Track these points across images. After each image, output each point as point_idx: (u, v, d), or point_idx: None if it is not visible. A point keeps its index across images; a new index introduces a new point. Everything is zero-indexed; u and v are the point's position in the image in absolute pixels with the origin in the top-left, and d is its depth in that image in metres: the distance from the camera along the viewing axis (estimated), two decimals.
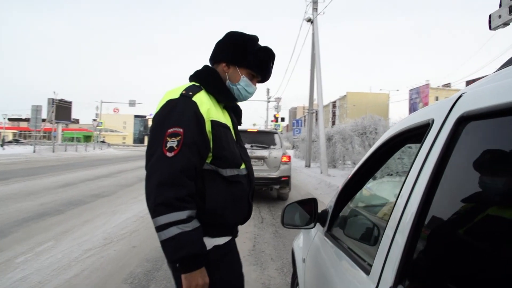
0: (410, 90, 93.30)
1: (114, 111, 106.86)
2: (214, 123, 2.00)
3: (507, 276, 0.88)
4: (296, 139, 38.66)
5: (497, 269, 0.92)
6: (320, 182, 15.90)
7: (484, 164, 1.07)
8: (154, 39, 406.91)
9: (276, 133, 12.32)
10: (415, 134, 1.60)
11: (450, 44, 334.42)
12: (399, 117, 15.82)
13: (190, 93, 1.98)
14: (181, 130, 1.85)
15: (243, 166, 2.17)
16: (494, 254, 0.94)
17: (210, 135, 1.98)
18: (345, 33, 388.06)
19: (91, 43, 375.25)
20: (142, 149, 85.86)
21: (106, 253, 6.01)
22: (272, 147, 11.44)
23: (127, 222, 8.24)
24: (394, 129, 1.89)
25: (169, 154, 1.82)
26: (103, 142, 78.02)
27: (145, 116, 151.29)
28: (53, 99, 58.75)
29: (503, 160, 0.99)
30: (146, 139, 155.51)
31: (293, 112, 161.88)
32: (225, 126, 2.09)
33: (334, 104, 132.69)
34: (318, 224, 2.58)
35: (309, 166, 24.74)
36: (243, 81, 2.20)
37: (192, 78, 2.18)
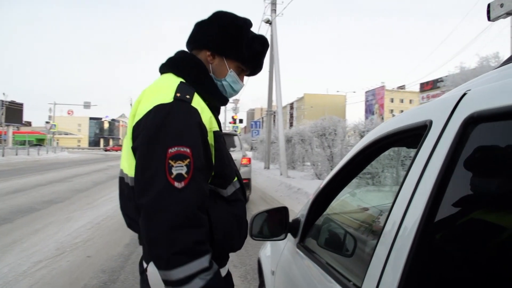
0: (366, 92, 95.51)
1: (69, 113, 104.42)
2: (216, 135, 1.63)
3: None
4: (255, 140, 38.74)
5: None
6: (280, 184, 15.85)
7: (500, 170, 0.95)
8: (107, 40, 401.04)
9: (236, 135, 12.23)
10: (405, 136, 1.48)
11: (404, 47, 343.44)
12: (358, 118, 15.91)
13: (187, 96, 1.55)
14: (188, 150, 1.44)
15: (235, 178, 1.82)
16: None
17: (212, 150, 1.61)
18: (302, 34, 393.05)
19: (43, 43, 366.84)
20: (98, 152, 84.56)
21: (58, 265, 5.66)
22: (231, 149, 11.26)
23: (81, 230, 7.85)
24: (379, 131, 1.71)
25: (178, 185, 1.39)
26: (38, 144, 75.88)
27: (101, 118, 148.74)
28: (2, 101, 57.06)
29: None
30: (101, 141, 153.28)
31: (251, 113, 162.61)
32: (222, 135, 1.73)
33: (291, 105, 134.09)
34: (289, 235, 2.39)
35: (268, 168, 24.73)
36: (230, 77, 1.81)
37: (167, 69, 1.75)
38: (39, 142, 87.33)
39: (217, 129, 1.65)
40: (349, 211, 2.58)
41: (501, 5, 1.51)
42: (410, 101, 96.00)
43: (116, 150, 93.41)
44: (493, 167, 0.97)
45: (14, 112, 63.72)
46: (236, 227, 1.72)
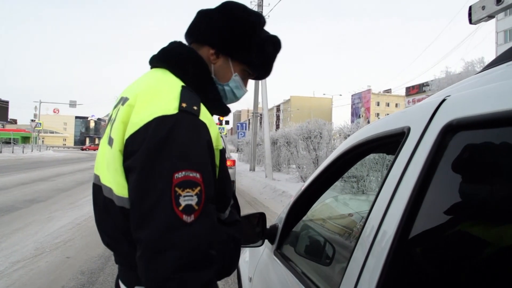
0: (352, 95, 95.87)
1: (54, 112, 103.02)
2: (222, 153, 1.38)
3: None
4: (241, 142, 38.62)
5: None
6: (265, 187, 15.83)
7: (479, 179, 0.94)
8: (94, 39, 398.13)
9: (221, 137, 12.17)
10: (384, 143, 1.45)
11: (391, 51, 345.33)
12: (344, 121, 15.89)
13: (195, 107, 1.27)
14: (198, 175, 1.18)
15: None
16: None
17: (217, 170, 1.37)
18: (289, 37, 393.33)
19: (30, 41, 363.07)
20: (83, 151, 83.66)
21: (36, 266, 5.59)
22: None
23: (62, 230, 7.77)
24: (357, 136, 1.68)
25: (187, 219, 1.14)
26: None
27: (87, 117, 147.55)
28: None
29: (501, 175, 0.86)
30: (87, 140, 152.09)
31: (237, 115, 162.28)
32: (224, 150, 1.45)
33: (278, 107, 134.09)
34: (266, 241, 2.36)
35: (253, 170, 24.68)
36: (234, 82, 1.55)
37: (163, 63, 1.46)
38: (24, 141, 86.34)
39: (222, 146, 1.39)
40: (329, 217, 2.56)
41: (483, 8, 1.50)
42: (396, 105, 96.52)
43: (94, 150, 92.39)
44: (472, 177, 0.96)
45: None
46: (234, 251, 1.54)
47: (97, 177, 1.45)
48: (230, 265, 1.52)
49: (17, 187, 14.27)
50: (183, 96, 1.28)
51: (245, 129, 35.53)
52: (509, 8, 1.41)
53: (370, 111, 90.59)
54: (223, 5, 1.53)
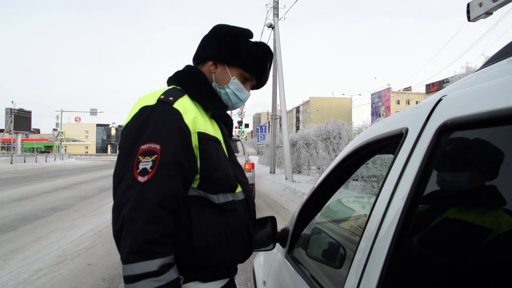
0: (372, 94, 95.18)
1: (76, 120, 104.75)
2: (202, 136, 1.59)
3: None
4: (261, 145, 38.69)
5: None
6: (285, 189, 15.79)
7: (474, 179, 0.93)
8: (115, 47, 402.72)
9: (239, 140, 12.18)
10: (386, 144, 1.44)
11: (410, 48, 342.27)
12: (362, 121, 15.80)
13: (170, 98, 1.56)
14: (158, 146, 1.43)
15: (239, 189, 1.74)
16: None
17: (197, 151, 1.57)
18: (307, 38, 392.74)
19: (51, 51, 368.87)
20: (105, 158, 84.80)
21: (58, 273, 5.64)
22: (235, 154, 11.21)
23: (84, 237, 7.85)
24: (360, 139, 1.69)
25: (141, 179, 1.39)
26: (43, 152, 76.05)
27: (108, 125, 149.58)
28: (11, 109, 57.50)
29: (494, 175, 0.85)
30: (109, 148, 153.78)
31: (257, 118, 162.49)
32: (215, 139, 1.67)
33: (297, 109, 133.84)
34: (278, 245, 2.35)
35: (274, 173, 24.68)
36: (233, 84, 1.79)
37: (171, 81, 1.78)
38: (47, 149, 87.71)
39: (203, 130, 1.60)
40: (340, 220, 2.55)
41: (480, 5, 1.48)
42: (417, 103, 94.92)
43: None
44: (468, 178, 0.96)
45: (22, 119, 64.40)
46: (224, 236, 1.61)
47: None
48: (220, 253, 1.61)
49: (40, 196, 14.48)
50: (165, 92, 1.61)
51: (265, 132, 35.57)
52: (505, 4, 1.39)
53: (390, 109, 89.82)
54: (213, 28, 1.86)
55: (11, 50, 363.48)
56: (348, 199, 2.94)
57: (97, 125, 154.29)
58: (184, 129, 1.52)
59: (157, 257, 1.35)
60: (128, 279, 1.33)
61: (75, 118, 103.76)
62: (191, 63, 1.89)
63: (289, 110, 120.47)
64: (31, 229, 8.57)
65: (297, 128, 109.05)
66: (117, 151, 1.58)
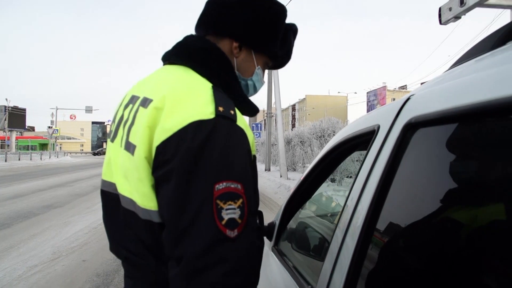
0: (368, 93, 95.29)
1: (71, 118, 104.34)
2: (255, 159, 1.27)
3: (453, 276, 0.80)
4: (256, 142, 38.75)
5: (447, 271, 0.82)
6: (279, 186, 15.87)
7: (433, 173, 0.98)
8: (111, 44, 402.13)
9: None
10: (362, 141, 1.48)
11: (405, 47, 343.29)
12: None
13: (231, 111, 1.15)
14: (239, 186, 1.07)
15: None
16: (444, 257, 0.85)
17: None
18: (304, 36, 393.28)
19: (45, 49, 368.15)
20: (101, 156, 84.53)
21: (53, 269, 5.70)
22: None
23: (78, 234, 7.89)
24: (340, 135, 1.77)
25: (230, 233, 1.03)
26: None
27: (103, 122, 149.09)
28: (5, 106, 57.31)
29: (453, 169, 0.90)
30: (104, 145, 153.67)
31: None
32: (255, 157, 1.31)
33: (293, 107, 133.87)
34: (265, 238, 2.42)
35: (269, 170, 24.74)
36: (256, 75, 1.47)
37: (184, 61, 1.32)
38: (42, 147, 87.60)
39: (255, 152, 1.28)
40: (322, 212, 2.63)
41: (450, 9, 1.57)
42: None
43: None
44: (430, 171, 1.00)
45: (17, 117, 64.12)
46: (259, 261, 1.33)
47: (111, 185, 1.31)
48: (258, 276, 1.33)
49: (35, 193, 14.49)
50: (218, 99, 1.15)
51: (260, 130, 35.64)
52: (471, 9, 1.47)
53: None
54: None
55: (5, 47, 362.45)
56: (331, 192, 3.01)
57: (93, 122, 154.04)
58: (251, 156, 1.20)
59: None
60: None
61: (70, 115, 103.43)
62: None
63: (285, 108, 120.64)
64: (26, 226, 8.60)
65: (293, 126, 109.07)
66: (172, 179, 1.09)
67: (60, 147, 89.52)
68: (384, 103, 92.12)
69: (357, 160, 2.04)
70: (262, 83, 1.53)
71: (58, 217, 9.76)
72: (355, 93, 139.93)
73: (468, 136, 0.87)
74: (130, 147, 1.18)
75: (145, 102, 1.19)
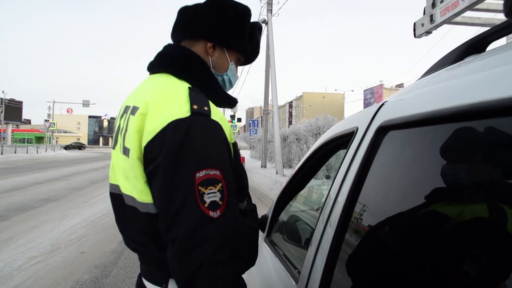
0: (365, 91, 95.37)
1: (68, 112, 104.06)
2: (235, 147, 1.45)
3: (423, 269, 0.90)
4: (253, 139, 38.90)
5: (413, 266, 0.94)
6: (275, 183, 16.00)
7: (400, 172, 1.10)
8: (109, 39, 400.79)
9: None
10: (345, 141, 1.62)
11: (403, 45, 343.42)
12: None
13: (205, 108, 1.32)
14: (218, 172, 1.24)
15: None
16: (409, 251, 0.98)
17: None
18: (301, 33, 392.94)
19: (43, 41, 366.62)
20: (97, 150, 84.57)
21: (52, 260, 5.83)
22: None
23: (76, 227, 8.02)
24: (326, 135, 1.92)
25: (213, 214, 1.20)
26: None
27: (100, 117, 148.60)
28: (1, 99, 57.13)
29: (418, 169, 1.02)
30: (101, 140, 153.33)
31: (250, 112, 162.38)
32: (236, 144, 1.51)
33: (290, 104, 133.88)
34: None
35: (265, 167, 24.87)
36: (230, 70, 1.64)
37: (165, 68, 1.50)
38: (39, 141, 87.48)
39: (234, 140, 1.45)
40: (312, 207, 2.78)
41: (422, 25, 1.73)
42: None
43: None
44: (399, 169, 1.12)
45: (13, 110, 64.18)
46: (255, 242, 1.60)
47: (115, 187, 1.48)
48: (254, 255, 1.59)
49: (32, 187, 14.59)
50: (193, 98, 1.32)
51: (257, 126, 35.76)
52: (440, 26, 1.62)
53: None
54: (216, 1, 1.57)
55: (3, 39, 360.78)
56: (318, 186, 3.15)
57: (89, 116, 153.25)
58: (227, 144, 1.35)
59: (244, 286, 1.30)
60: None
61: (67, 109, 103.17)
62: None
63: (282, 105, 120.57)
64: (24, 219, 8.72)
65: (290, 123, 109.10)
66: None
67: (57, 141, 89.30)
68: (380, 101, 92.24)
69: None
70: (236, 77, 1.70)
71: (56, 210, 9.88)
72: (352, 90, 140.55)
73: (429, 138, 1.00)
74: (126, 151, 1.35)
75: (134, 110, 1.36)
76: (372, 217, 1.19)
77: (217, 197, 1.22)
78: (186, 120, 1.25)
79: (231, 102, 1.60)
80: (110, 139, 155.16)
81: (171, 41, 1.66)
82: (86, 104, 67.61)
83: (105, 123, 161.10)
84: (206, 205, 1.20)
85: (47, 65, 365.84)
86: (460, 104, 0.84)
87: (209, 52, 1.57)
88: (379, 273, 1.08)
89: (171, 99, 1.32)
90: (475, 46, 1.16)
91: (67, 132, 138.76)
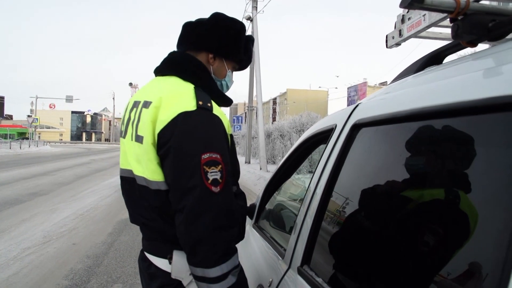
0: (348, 88, 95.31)
1: (50, 107, 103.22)
2: (232, 138, 1.75)
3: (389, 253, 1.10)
4: (237, 135, 38.96)
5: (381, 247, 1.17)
6: (259, 178, 16.20)
7: (370, 163, 1.35)
8: (90, 33, 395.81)
9: None
10: (325, 136, 1.83)
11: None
12: None
13: (209, 104, 1.60)
14: (218, 156, 1.52)
15: None
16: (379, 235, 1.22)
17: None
18: (286, 31, 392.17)
19: (25, 35, 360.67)
20: (80, 146, 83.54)
21: (45, 251, 6.06)
22: None
23: (66, 220, 8.22)
24: (309, 131, 2.16)
25: (215, 189, 1.48)
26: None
27: (83, 112, 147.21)
28: None
29: (386, 160, 1.26)
30: (84, 135, 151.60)
31: (233, 108, 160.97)
32: (232, 136, 1.79)
33: (274, 100, 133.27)
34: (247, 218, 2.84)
35: (249, 163, 24.96)
36: (228, 77, 1.94)
37: (173, 72, 1.76)
38: (21, 136, 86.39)
39: (231, 132, 1.73)
40: (295, 197, 3.05)
41: (393, 37, 2.02)
42: None
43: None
44: (368, 162, 1.36)
45: None
46: (244, 220, 1.86)
47: (128, 171, 1.74)
48: (243, 229, 1.83)
49: (19, 182, 14.66)
50: (198, 96, 1.59)
51: (241, 123, 35.80)
52: (407, 39, 1.91)
53: None
54: (213, 17, 1.84)
55: None
56: (300, 177, 3.40)
57: (72, 112, 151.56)
58: (226, 135, 1.64)
59: (236, 252, 1.58)
60: (219, 278, 1.48)
61: (50, 104, 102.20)
62: (172, 50, 1.91)
63: (266, 101, 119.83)
64: (15, 213, 8.89)
65: (274, 120, 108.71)
66: (176, 156, 1.53)
67: (39, 136, 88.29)
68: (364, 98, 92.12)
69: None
70: (232, 82, 1.99)
71: (45, 204, 10.06)
72: (336, 88, 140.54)
73: (394, 134, 1.23)
74: (139, 139, 1.62)
75: (146, 104, 1.63)
76: (346, 204, 1.40)
77: (217, 175, 1.49)
78: (193, 112, 1.53)
79: (227, 102, 1.86)
80: (93, 134, 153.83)
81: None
82: (69, 99, 67.06)
83: (88, 119, 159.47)
84: (209, 181, 1.47)
85: (29, 59, 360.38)
86: (421, 106, 1.04)
87: (211, 62, 1.85)
88: (350, 251, 1.32)
89: (180, 95, 1.60)
90: (434, 59, 1.41)
91: (49, 128, 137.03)
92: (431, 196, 1.00)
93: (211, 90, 1.74)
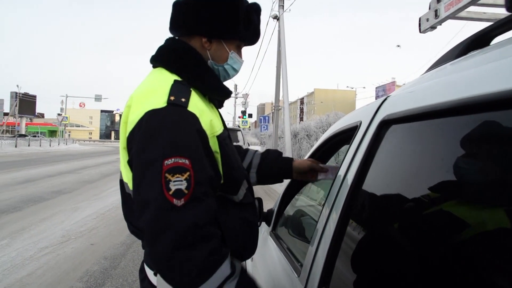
0: (376, 88, 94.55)
1: (80, 106, 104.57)
2: (221, 139, 1.45)
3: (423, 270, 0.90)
4: (264, 135, 38.85)
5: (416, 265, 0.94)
6: None
7: (402, 166, 1.12)
8: (119, 32, 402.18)
9: (239, 130, 12.44)
10: (349, 135, 1.62)
11: (415, 42, 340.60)
12: None
13: (183, 99, 1.34)
14: (187, 161, 1.24)
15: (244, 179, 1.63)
16: (413, 249, 0.98)
17: (218, 157, 1.43)
18: (313, 30, 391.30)
19: (57, 36, 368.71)
20: (108, 144, 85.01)
21: (62, 251, 5.94)
22: (234, 144, 11.43)
23: (87, 219, 8.15)
24: (330, 130, 1.96)
25: (177, 202, 1.20)
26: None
27: (112, 111, 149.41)
28: (16, 93, 57.85)
29: (421, 162, 1.03)
30: (112, 134, 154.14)
31: (261, 108, 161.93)
32: (228, 135, 1.56)
33: (302, 100, 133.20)
34: (264, 224, 2.62)
35: None
36: (231, 59, 1.62)
37: (159, 62, 1.53)
38: (51, 134, 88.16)
39: (220, 132, 1.46)
40: (312, 202, 2.81)
41: (427, 20, 1.77)
42: None
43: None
44: (401, 165, 1.14)
45: (27, 104, 65.03)
46: (249, 235, 1.58)
47: (120, 174, 1.55)
48: (246, 247, 1.56)
49: (44, 179, 14.76)
50: (173, 90, 1.35)
51: (268, 122, 35.71)
52: (444, 21, 1.65)
53: None
54: None
55: (17, 34, 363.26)
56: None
57: (101, 111, 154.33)
58: (203, 135, 1.35)
59: (225, 259, 1.29)
60: None
61: (80, 103, 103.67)
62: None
63: (293, 101, 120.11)
64: (36, 210, 8.86)
65: (301, 119, 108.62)
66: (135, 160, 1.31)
67: (69, 135, 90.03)
68: None
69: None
70: (240, 62, 1.66)
71: (67, 203, 10.02)
72: (364, 87, 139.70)
73: (432, 132, 1.00)
74: (120, 139, 1.45)
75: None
76: (374, 212, 1.21)
77: (183, 185, 1.22)
78: (161, 110, 1.29)
79: (226, 94, 1.60)
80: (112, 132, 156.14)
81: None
82: (98, 98, 67.91)
83: (117, 118, 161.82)
84: (171, 192, 1.20)
85: (60, 60, 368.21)
86: (462, 97, 0.83)
87: (206, 46, 1.56)
88: (380, 269, 1.08)
89: (153, 91, 1.37)
90: (479, 41, 1.17)
91: (79, 126, 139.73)
92: (495, 223, 0.71)
93: (202, 82, 1.50)
